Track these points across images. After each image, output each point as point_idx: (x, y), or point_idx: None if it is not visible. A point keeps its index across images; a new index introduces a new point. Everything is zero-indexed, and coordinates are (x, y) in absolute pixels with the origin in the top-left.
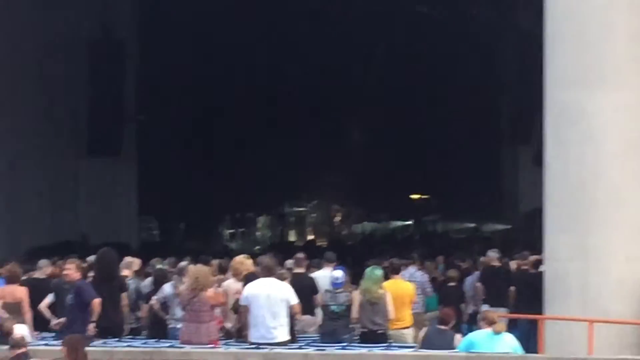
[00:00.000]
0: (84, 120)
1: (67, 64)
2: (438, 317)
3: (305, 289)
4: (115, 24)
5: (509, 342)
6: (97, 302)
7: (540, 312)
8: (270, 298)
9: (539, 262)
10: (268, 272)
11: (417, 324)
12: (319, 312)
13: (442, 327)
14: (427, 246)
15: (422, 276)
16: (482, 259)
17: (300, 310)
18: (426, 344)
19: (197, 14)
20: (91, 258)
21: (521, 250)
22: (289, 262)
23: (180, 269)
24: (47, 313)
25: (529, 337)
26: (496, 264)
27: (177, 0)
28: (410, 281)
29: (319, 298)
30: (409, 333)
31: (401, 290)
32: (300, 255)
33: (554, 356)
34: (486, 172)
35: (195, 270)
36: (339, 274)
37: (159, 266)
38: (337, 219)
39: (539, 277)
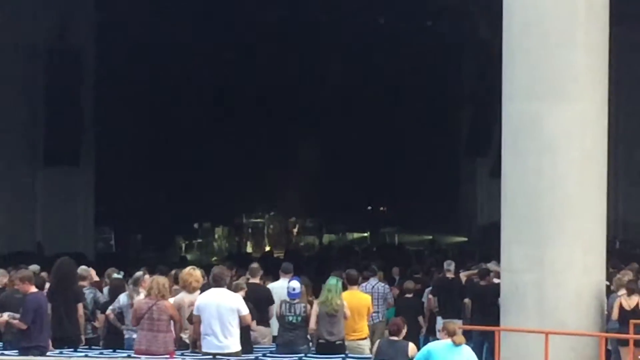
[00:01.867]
0: (41, 129)
1: (24, 73)
2: (389, 328)
3: (260, 300)
4: (72, 33)
5: (467, 355)
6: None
7: (492, 324)
8: (220, 308)
9: (485, 272)
10: (218, 282)
11: (378, 333)
12: (273, 323)
13: (393, 337)
14: (384, 258)
15: (383, 287)
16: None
17: (250, 320)
18: (379, 355)
19: (155, 23)
20: (35, 267)
21: (478, 262)
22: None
23: (135, 279)
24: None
25: (482, 350)
26: (450, 276)
27: (134, 10)
28: (372, 293)
29: (273, 309)
30: (365, 344)
31: (358, 301)
32: (255, 265)
33: None
34: (444, 184)
35: (153, 279)
36: (296, 284)
37: (115, 275)
38: (295, 230)
39: (491, 289)
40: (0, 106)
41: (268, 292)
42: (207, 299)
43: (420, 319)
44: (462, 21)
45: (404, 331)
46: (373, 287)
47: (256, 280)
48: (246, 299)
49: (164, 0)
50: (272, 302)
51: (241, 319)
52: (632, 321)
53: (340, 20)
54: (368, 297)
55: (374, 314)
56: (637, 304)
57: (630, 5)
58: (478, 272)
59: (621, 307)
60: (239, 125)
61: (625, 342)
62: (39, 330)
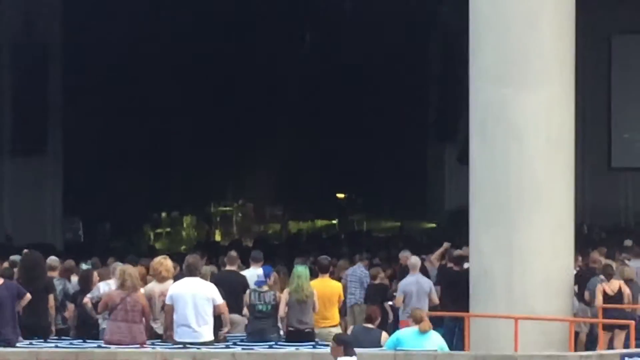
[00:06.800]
0: (7, 118)
1: None
2: (365, 315)
3: (236, 288)
4: (38, 25)
5: (436, 341)
6: None
7: (464, 309)
8: (195, 297)
9: (461, 258)
10: (193, 272)
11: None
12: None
13: (369, 325)
14: (353, 245)
15: (361, 271)
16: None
17: (226, 309)
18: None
19: (121, 13)
20: (15, 258)
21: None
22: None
23: (115, 269)
24: None
25: (453, 335)
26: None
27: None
28: (352, 276)
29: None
30: (337, 331)
31: (329, 289)
32: (233, 253)
33: (480, 353)
34: (411, 171)
35: (125, 269)
36: (261, 272)
37: (84, 266)
38: (263, 218)
39: (463, 274)
40: None
41: (244, 279)
42: (182, 288)
43: (387, 305)
44: (429, 5)
45: (379, 320)
46: (354, 270)
47: (233, 268)
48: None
49: None
50: (247, 289)
51: (215, 308)
52: (602, 306)
53: (307, 7)
54: (339, 285)
55: (350, 296)
56: (619, 288)
57: None
58: (449, 255)
59: (604, 293)
60: (206, 115)
61: (607, 327)
62: (3, 323)
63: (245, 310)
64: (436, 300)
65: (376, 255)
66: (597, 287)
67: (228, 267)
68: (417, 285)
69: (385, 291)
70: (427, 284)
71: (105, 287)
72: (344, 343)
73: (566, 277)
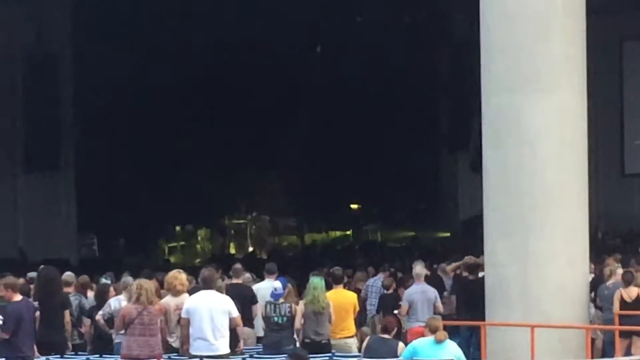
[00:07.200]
0: (20, 135)
1: (1, 79)
2: (381, 326)
3: (244, 300)
4: (49, 38)
5: (452, 350)
6: (5, 335)
7: (480, 319)
8: (212, 311)
9: (474, 266)
10: (208, 285)
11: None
12: (257, 323)
13: (385, 335)
14: (368, 256)
15: (381, 282)
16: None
17: (241, 322)
18: (369, 352)
19: (132, 26)
20: (32, 274)
21: (462, 257)
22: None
23: (125, 284)
24: None
25: (469, 344)
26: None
27: (111, 14)
28: (372, 286)
29: (257, 309)
30: (353, 342)
31: (344, 299)
32: (238, 266)
33: None
34: (424, 180)
35: (141, 283)
36: (278, 284)
37: (103, 281)
38: (277, 230)
39: (477, 283)
40: None
41: (251, 291)
42: (198, 301)
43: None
44: (439, 15)
45: (396, 330)
46: (375, 281)
47: (239, 281)
48: None
49: (140, 3)
50: (255, 301)
51: (231, 320)
52: (619, 313)
53: (318, 20)
54: (354, 295)
55: (370, 307)
56: (638, 295)
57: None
58: (464, 264)
59: (622, 300)
60: (218, 127)
61: (625, 334)
62: (21, 339)
63: (260, 322)
64: (441, 309)
65: (392, 266)
66: (615, 294)
67: (234, 280)
68: (422, 295)
69: (397, 301)
70: (432, 292)
71: (116, 302)
72: None
73: (582, 284)
